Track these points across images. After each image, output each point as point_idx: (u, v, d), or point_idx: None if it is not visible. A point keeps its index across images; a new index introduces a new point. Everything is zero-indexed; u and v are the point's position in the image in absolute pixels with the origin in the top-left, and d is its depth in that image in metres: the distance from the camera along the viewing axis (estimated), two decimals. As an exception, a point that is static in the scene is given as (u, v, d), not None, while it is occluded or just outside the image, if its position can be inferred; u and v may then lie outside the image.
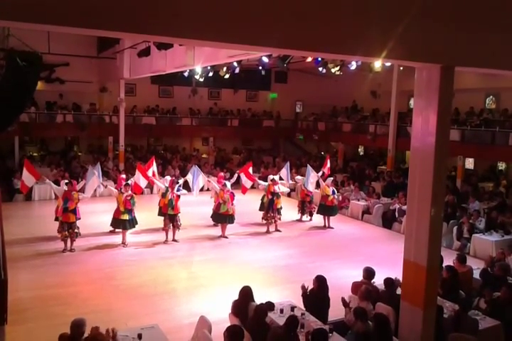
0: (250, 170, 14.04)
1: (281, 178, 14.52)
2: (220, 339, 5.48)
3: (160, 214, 12.77)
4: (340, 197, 16.07)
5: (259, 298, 6.71)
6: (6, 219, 8.27)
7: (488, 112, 18.43)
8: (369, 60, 8.76)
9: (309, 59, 13.28)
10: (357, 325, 5.93)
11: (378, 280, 7.46)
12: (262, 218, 13.78)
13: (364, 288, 6.75)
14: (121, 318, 7.59)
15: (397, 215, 14.32)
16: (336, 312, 6.97)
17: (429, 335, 6.13)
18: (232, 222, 12.97)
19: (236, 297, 6.68)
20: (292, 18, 4.65)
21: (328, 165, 15.36)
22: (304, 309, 6.82)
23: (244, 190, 13.91)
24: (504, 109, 18.07)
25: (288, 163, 15.44)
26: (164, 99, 24.44)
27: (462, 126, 17.34)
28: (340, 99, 24.48)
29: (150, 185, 16.11)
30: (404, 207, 12.55)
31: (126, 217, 11.72)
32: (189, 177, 13.05)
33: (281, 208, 13.83)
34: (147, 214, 13.44)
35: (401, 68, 17.78)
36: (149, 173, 13.16)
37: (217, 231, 13.14)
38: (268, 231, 13.61)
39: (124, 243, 11.80)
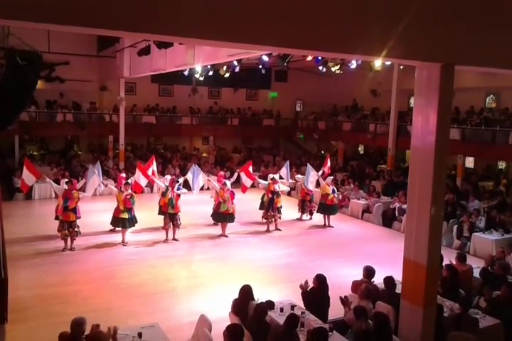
0: (250, 169, 14.03)
1: (281, 177, 14.52)
2: (220, 338, 5.48)
3: (160, 213, 12.78)
4: (341, 196, 16.08)
5: (259, 297, 6.71)
6: (6, 218, 8.27)
7: (488, 111, 18.42)
8: (369, 58, 8.76)
9: (309, 58, 13.27)
10: (357, 324, 5.93)
11: (378, 279, 7.47)
12: (262, 217, 13.78)
13: (364, 287, 6.75)
14: (121, 317, 7.59)
15: (397, 214, 14.32)
16: (336, 311, 6.97)
17: (429, 334, 6.13)
18: (232, 221, 12.97)
19: (236, 296, 6.68)
20: (292, 17, 4.65)
21: (329, 164, 15.35)
22: (304, 308, 6.83)
23: (244, 189, 13.91)
24: (504, 108, 18.06)
25: (288, 162, 15.44)
26: (164, 98, 24.42)
27: (462, 125, 17.34)
28: (340, 98, 24.48)
29: (150, 184, 16.11)
30: (404, 206, 12.56)
31: (125, 215, 11.72)
32: (189, 176, 13.05)
33: (281, 207, 13.84)
34: (147, 213, 13.45)
35: (401, 67, 17.77)
36: (149, 172, 13.16)
37: (217, 230, 13.15)
38: (268, 230, 13.62)
39: (123, 242, 11.80)
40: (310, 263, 10.55)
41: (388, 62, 13.93)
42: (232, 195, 12.82)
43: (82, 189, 12.08)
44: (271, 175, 14.13)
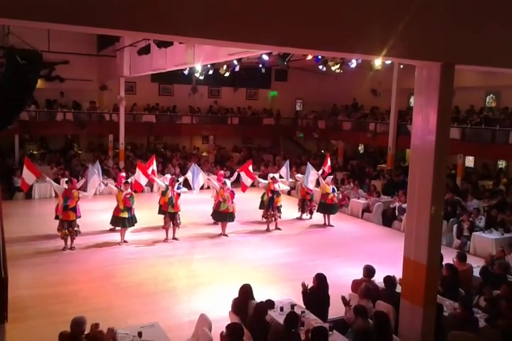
0: (250, 168, 14.03)
1: (281, 176, 14.52)
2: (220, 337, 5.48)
3: (160, 212, 12.78)
4: (341, 196, 16.08)
5: (259, 296, 6.71)
6: (6, 218, 8.27)
7: (488, 110, 18.41)
8: (369, 58, 8.77)
9: (309, 57, 13.25)
10: (357, 323, 5.94)
11: (378, 279, 7.47)
12: (262, 216, 13.78)
13: (364, 286, 6.75)
14: (121, 316, 7.60)
15: (397, 213, 14.32)
16: (336, 310, 6.97)
17: (428, 333, 6.14)
18: (232, 220, 12.97)
19: (236, 295, 6.68)
20: (292, 16, 4.65)
21: (329, 163, 15.35)
22: (304, 307, 6.83)
23: (244, 188, 13.91)
24: (504, 107, 18.07)
25: (288, 162, 15.44)
26: (164, 97, 24.40)
27: (462, 125, 17.34)
28: (340, 97, 24.47)
29: (150, 183, 16.12)
30: (404, 205, 12.56)
31: (125, 215, 11.72)
32: (189, 175, 13.04)
33: (281, 206, 13.84)
34: (147, 212, 13.46)
35: (401, 66, 17.77)
36: (149, 171, 13.16)
37: (217, 229, 13.15)
38: (268, 230, 13.62)
39: (122, 242, 11.79)
40: (310, 263, 10.56)
41: (388, 62, 13.92)
42: (232, 194, 12.82)
43: (82, 188, 12.08)
44: (271, 175, 14.13)
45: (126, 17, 4.02)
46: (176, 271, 10.17)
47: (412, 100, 19.18)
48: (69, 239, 11.16)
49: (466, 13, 5.65)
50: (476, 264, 8.95)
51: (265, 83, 25.94)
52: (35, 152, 21.88)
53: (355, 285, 7.32)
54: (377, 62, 13.94)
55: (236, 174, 14.27)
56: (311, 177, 14.27)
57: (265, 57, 12.07)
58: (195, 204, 13.98)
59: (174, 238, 12.31)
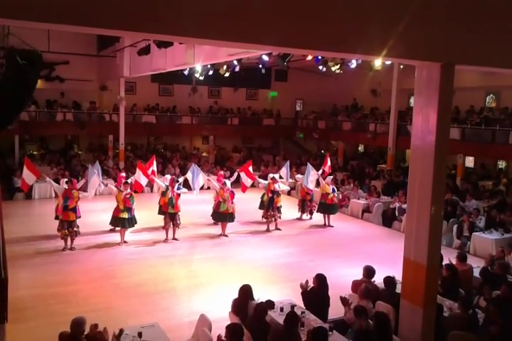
0: (250, 168, 14.03)
1: (281, 177, 14.52)
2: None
3: (160, 212, 12.78)
4: (341, 196, 16.08)
5: (259, 297, 6.70)
6: (6, 218, 8.25)
7: (488, 110, 18.42)
8: (369, 58, 8.77)
9: (309, 57, 13.26)
10: (357, 323, 5.93)
11: (378, 279, 7.47)
12: (262, 216, 13.78)
13: (364, 287, 6.75)
14: (121, 316, 7.59)
15: (397, 214, 14.32)
16: (336, 310, 6.97)
17: (428, 334, 6.13)
18: (232, 221, 12.97)
19: (236, 295, 6.68)
20: (292, 16, 4.65)
21: (329, 163, 15.35)
22: (304, 307, 6.83)
23: (244, 189, 13.90)
24: (504, 107, 18.08)
25: (288, 162, 15.43)
26: (164, 98, 24.42)
27: (462, 125, 17.36)
28: (340, 98, 24.48)
29: (150, 184, 16.11)
30: (404, 206, 12.56)
31: (125, 215, 11.71)
32: (189, 175, 13.04)
33: (281, 206, 13.83)
34: (147, 212, 13.46)
35: (401, 66, 17.78)
36: (149, 172, 13.16)
37: (217, 229, 13.15)
38: (268, 230, 13.62)
39: (121, 242, 11.77)
40: (310, 263, 10.56)
41: (388, 62, 13.93)
42: (232, 194, 12.82)
43: (82, 189, 12.09)
44: (271, 175, 14.13)
45: (126, 17, 4.02)
46: (176, 272, 10.16)
47: (412, 100, 19.19)
48: (69, 239, 11.16)
49: (466, 14, 5.65)
50: (476, 264, 8.94)
51: (265, 83, 25.96)
52: (35, 152, 21.89)
53: (355, 285, 7.31)
54: (377, 63, 13.94)
55: (236, 174, 14.27)
56: (311, 177, 14.27)
57: (265, 58, 12.09)
58: (195, 204, 13.98)
59: (174, 238, 12.31)
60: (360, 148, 25.91)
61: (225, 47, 10.44)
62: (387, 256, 10.33)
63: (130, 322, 6.98)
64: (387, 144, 19.49)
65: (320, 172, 14.71)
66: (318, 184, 14.71)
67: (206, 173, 16.06)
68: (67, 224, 11.07)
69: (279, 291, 8.52)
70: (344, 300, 6.55)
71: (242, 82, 22.93)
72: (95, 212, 13.78)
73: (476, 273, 8.42)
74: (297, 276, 8.34)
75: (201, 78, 17.21)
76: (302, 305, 6.91)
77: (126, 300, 8.47)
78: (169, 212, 12.11)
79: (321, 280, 6.95)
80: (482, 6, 5.74)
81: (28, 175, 12.00)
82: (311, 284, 7.02)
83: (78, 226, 11.29)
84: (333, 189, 14.38)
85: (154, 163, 13.73)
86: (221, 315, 6.77)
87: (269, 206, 13.62)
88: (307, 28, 4.76)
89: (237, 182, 14.59)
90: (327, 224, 14.43)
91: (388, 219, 14.64)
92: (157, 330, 5.98)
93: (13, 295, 6.78)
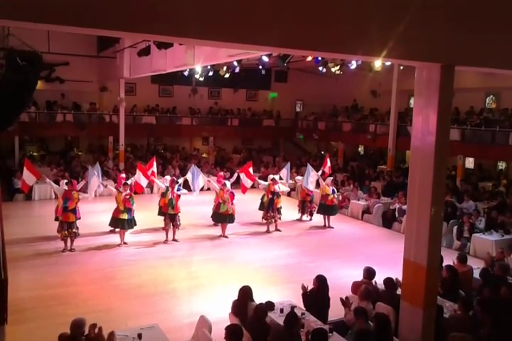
0: (250, 169, 14.02)
1: (281, 178, 14.51)
2: (219, 338, 5.47)
3: (160, 213, 12.77)
4: (341, 197, 16.08)
5: (259, 298, 6.70)
6: (6, 219, 8.27)
7: (488, 112, 18.42)
8: (369, 59, 8.76)
9: (309, 58, 13.27)
10: (357, 325, 5.93)
11: (379, 280, 7.46)
12: (262, 217, 13.77)
13: (364, 288, 6.74)
14: (121, 318, 7.60)
15: (397, 215, 14.31)
16: (336, 312, 6.96)
17: (429, 335, 6.12)
18: (232, 222, 12.97)
19: (236, 297, 6.67)
20: (292, 17, 4.65)
21: (329, 164, 15.35)
22: (304, 309, 6.82)
23: (244, 190, 13.90)
24: (504, 108, 18.08)
25: (289, 164, 15.43)
26: (164, 99, 24.44)
27: (462, 126, 17.36)
28: (340, 99, 24.47)
29: (150, 185, 16.11)
30: (404, 207, 12.55)
31: (125, 216, 11.70)
32: (189, 176, 13.05)
33: (281, 208, 13.83)
34: (147, 213, 13.45)
35: (401, 67, 17.78)
36: (149, 173, 13.16)
37: (217, 230, 13.14)
38: (268, 231, 13.61)
39: (121, 243, 11.76)
40: (310, 264, 10.56)
41: (388, 63, 13.93)
42: (232, 195, 12.81)
43: (82, 190, 12.09)
44: (271, 176, 14.12)
45: (126, 18, 4.02)
46: (175, 273, 10.16)
47: (412, 101, 19.18)
48: (69, 240, 11.16)
49: (466, 14, 5.64)
50: (476, 266, 8.93)
51: (265, 84, 25.98)
52: (35, 153, 21.92)
53: (356, 286, 7.30)
54: (377, 64, 13.95)
55: (236, 175, 14.27)
56: (310, 178, 14.26)
57: (265, 59, 12.08)
58: (195, 205, 13.98)
59: (174, 239, 12.30)
60: (360, 149, 25.91)
61: (225, 48, 10.44)
62: (387, 257, 10.33)
63: (130, 324, 7.00)
64: (387, 145, 19.49)
65: (320, 173, 14.72)
66: (318, 185, 14.70)
67: (206, 174, 16.06)
68: (67, 225, 11.06)
69: (279, 292, 8.52)
70: (344, 302, 6.54)
71: (242, 83, 22.92)
72: (95, 213, 13.78)
73: (476, 274, 8.42)
74: (297, 277, 8.35)
75: (201, 79, 17.24)
76: (302, 307, 6.90)
77: (126, 302, 8.46)
78: (169, 213, 12.11)
79: (321, 281, 6.94)
80: (482, 7, 5.74)
81: (28, 176, 12.03)
82: (310, 286, 7.01)
83: (78, 228, 11.27)
84: (333, 190, 14.37)
85: (154, 164, 13.73)
86: (221, 317, 6.76)
87: (269, 207, 13.62)
88: (307, 29, 4.75)
89: (237, 183, 14.58)
90: (327, 225, 14.42)
91: (388, 220, 14.63)
92: (157, 331, 5.96)
93: (13, 296, 6.78)
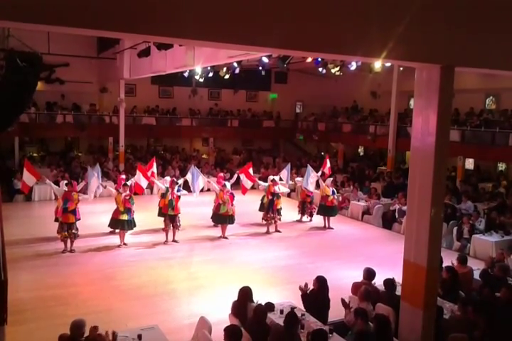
0: (251, 170, 14.03)
1: (281, 179, 14.52)
2: (219, 339, 5.47)
3: (160, 214, 12.76)
4: (340, 198, 16.07)
5: (259, 299, 6.69)
6: (6, 220, 8.23)
7: (488, 113, 18.42)
8: (369, 60, 8.77)
9: (309, 59, 13.29)
10: (357, 325, 5.92)
11: (379, 281, 7.45)
12: (262, 218, 13.77)
13: (363, 289, 6.74)
14: (121, 319, 7.60)
15: (397, 216, 14.31)
16: (336, 312, 6.96)
17: (429, 336, 6.12)
18: (232, 223, 12.96)
19: (236, 297, 6.67)
20: (292, 18, 4.65)
21: (328, 165, 15.36)
22: (304, 310, 6.81)
23: (244, 191, 13.90)
24: (504, 109, 18.09)
25: (289, 165, 15.45)
26: (164, 100, 24.45)
27: (462, 127, 17.37)
28: (340, 100, 24.49)
29: (150, 186, 16.11)
30: (404, 208, 12.54)
31: (125, 217, 11.71)
32: (188, 176, 13.05)
33: (281, 209, 13.82)
34: (147, 214, 13.45)
35: (401, 68, 17.79)
36: (149, 174, 13.16)
37: (217, 231, 13.14)
38: (268, 232, 13.61)
39: (121, 244, 11.76)
40: (310, 265, 10.55)
41: (388, 64, 13.93)
42: (232, 196, 12.81)
43: (82, 191, 12.09)
44: (271, 177, 14.12)
45: (126, 19, 4.02)
46: (175, 274, 10.16)
47: (411, 102, 19.18)
48: (68, 241, 11.16)
49: (465, 15, 5.65)
50: (476, 267, 8.93)
51: (265, 85, 26.00)
52: (35, 154, 21.91)
53: (356, 287, 7.30)
54: (377, 65, 13.97)
55: (236, 176, 14.28)
56: (310, 179, 14.27)
57: (265, 60, 12.09)
58: (195, 206, 13.98)
59: (174, 240, 12.30)
60: (360, 150, 25.92)
61: (224, 49, 10.45)
62: (387, 258, 10.33)
63: (130, 325, 6.99)
64: (387, 146, 19.49)
65: (319, 174, 14.72)
66: (318, 186, 14.71)
67: (206, 175, 16.05)
68: (67, 226, 11.06)
69: (279, 293, 8.52)
70: (344, 303, 6.54)
71: (242, 83, 22.92)
72: (95, 214, 13.78)
73: (476, 275, 8.41)
74: (297, 278, 8.33)
75: (201, 80, 17.25)
76: (302, 308, 6.90)
77: (126, 303, 8.46)
78: (169, 214, 12.11)
79: (321, 282, 6.94)
80: (482, 8, 5.74)
81: (28, 177, 12.04)
82: (310, 286, 7.01)
83: (77, 229, 11.27)
84: (333, 191, 14.37)
85: (154, 164, 13.72)
86: (221, 317, 6.75)
87: (269, 208, 13.61)
88: (307, 30, 4.76)
89: (237, 184, 14.59)
90: (327, 226, 14.42)
91: (388, 221, 14.63)
92: (157, 332, 5.96)
93: (13, 297, 6.75)
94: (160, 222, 12.45)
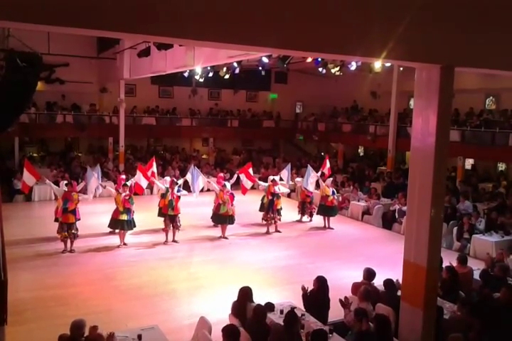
0: (250, 170, 14.03)
1: (281, 179, 14.52)
2: (219, 340, 5.47)
3: (160, 214, 12.76)
4: (340, 198, 16.08)
5: (259, 299, 6.69)
6: (6, 220, 8.23)
7: (488, 113, 18.42)
8: (369, 60, 8.77)
9: (309, 59, 13.29)
10: (357, 325, 5.92)
11: (378, 281, 7.45)
12: (262, 219, 13.77)
13: (363, 289, 6.74)
14: (121, 319, 7.60)
15: (397, 216, 14.31)
16: (336, 313, 6.96)
17: (429, 336, 6.12)
18: (232, 223, 12.96)
19: (236, 298, 6.67)
20: (292, 18, 4.66)
21: (328, 165, 15.36)
22: (304, 310, 6.81)
23: (244, 191, 13.91)
24: (504, 109, 18.09)
25: (289, 164, 15.45)
26: (164, 100, 24.44)
27: (462, 127, 17.36)
28: (340, 100, 24.49)
29: (150, 186, 16.11)
30: (404, 208, 12.55)
31: (124, 217, 11.70)
32: (188, 176, 13.05)
33: (281, 209, 13.82)
34: (147, 214, 13.44)
35: (401, 69, 17.79)
36: (149, 174, 13.15)
37: (217, 231, 13.14)
38: (268, 232, 13.61)
39: (121, 244, 11.76)
40: (310, 265, 10.55)
41: (388, 64, 13.93)
42: (232, 196, 12.81)
43: (82, 191, 12.09)
44: (271, 177, 14.12)
45: (125, 19, 4.02)
46: (175, 274, 10.15)
47: (411, 102, 19.18)
48: (68, 241, 11.16)
49: (465, 16, 5.65)
50: (476, 267, 8.93)
51: (265, 85, 26.00)
52: (35, 154, 21.90)
53: (355, 288, 7.30)
54: (377, 65, 13.97)
55: (236, 176, 14.28)
56: (310, 179, 14.27)
57: (265, 60, 12.09)
58: (195, 206, 13.97)
59: (174, 240, 12.30)
60: (360, 150, 25.91)
61: (224, 50, 10.44)
62: (387, 258, 10.33)
63: (130, 325, 7.00)
64: (387, 146, 19.49)
65: (319, 174, 14.72)
66: (318, 186, 14.71)
67: (206, 175, 16.04)
68: (67, 226, 11.06)
69: (279, 294, 8.52)
70: (342, 303, 6.54)
71: (242, 84, 22.92)
72: (95, 214, 13.77)
73: (476, 275, 8.41)
74: (297, 279, 8.35)
75: (201, 80, 17.26)
76: (302, 308, 6.90)
77: (126, 303, 8.46)
78: (169, 214, 12.11)
79: (321, 282, 6.94)
80: (482, 8, 5.74)
81: (28, 177, 12.04)
82: (310, 287, 7.01)
83: (77, 229, 11.27)
84: (333, 191, 14.37)
85: (154, 164, 13.71)
86: (221, 318, 6.75)
87: (269, 208, 13.61)
88: (307, 30, 4.76)
89: (237, 184, 14.60)
90: (327, 226, 14.42)
91: (388, 222, 14.63)
92: (157, 333, 5.97)
93: (13, 297, 6.76)
94: (160, 222, 12.45)
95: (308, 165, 15.09)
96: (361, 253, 11.54)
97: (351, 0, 5.01)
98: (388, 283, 7.17)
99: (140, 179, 12.75)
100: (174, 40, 5.31)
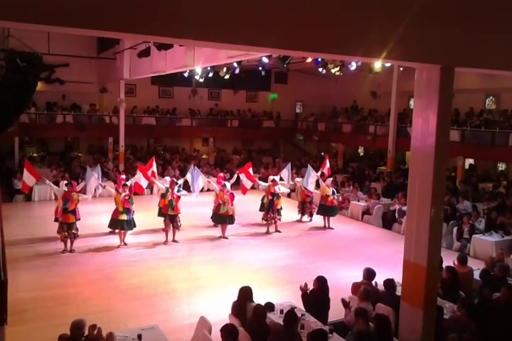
0: (250, 170, 14.03)
1: (281, 179, 14.52)
2: (219, 339, 5.47)
3: (160, 214, 12.76)
4: (340, 198, 16.07)
5: (259, 299, 6.70)
6: (6, 220, 8.22)
7: (488, 113, 18.43)
8: (369, 60, 8.77)
9: (309, 59, 13.29)
10: (357, 325, 5.92)
11: (378, 281, 7.45)
12: (262, 219, 13.77)
13: (363, 289, 6.74)
14: (121, 319, 7.60)
15: (397, 216, 14.31)
16: (336, 312, 6.96)
17: (429, 336, 6.12)
18: (232, 223, 12.96)
19: (236, 297, 6.67)
20: (292, 18, 4.66)
21: (328, 165, 15.36)
22: (304, 310, 6.82)
23: (244, 191, 13.91)
24: (504, 109, 18.10)
25: (290, 164, 15.44)
26: (164, 100, 24.44)
27: (462, 127, 17.37)
28: (340, 100, 24.49)
29: (150, 186, 16.11)
30: (404, 208, 12.54)
31: (124, 217, 11.70)
32: (188, 176, 13.05)
33: (281, 209, 13.82)
34: (147, 214, 13.44)
35: (401, 69, 17.79)
36: (149, 173, 13.16)
37: (217, 231, 13.14)
38: (268, 232, 13.61)
39: (121, 244, 11.76)
40: (310, 265, 10.55)
41: (388, 64, 13.93)
42: (232, 196, 12.81)
43: (82, 191, 12.10)
44: (271, 177, 14.12)
45: (125, 19, 4.02)
46: (176, 274, 10.16)
47: (411, 102, 19.18)
48: (68, 241, 11.16)
49: (465, 16, 5.65)
50: (476, 267, 8.93)
51: (265, 85, 26.00)
52: (35, 154, 21.89)
53: (355, 287, 7.30)
54: (377, 65, 13.97)
55: (236, 176, 14.28)
56: (310, 179, 14.27)
57: (265, 60, 12.08)
58: (195, 206, 13.97)
59: (174, 240, 12.30)
60: (360, 150, 25.91)
61: (224, 50, 10.45)
62: (387, 258, 10.33)
63: (130, 325, 7.00)
64: (387, 146, 19.49)
65: (319, 174, 14.72)
66: (318, 186, 14.71)
67: (206, 175, 16.04)
68: (67, 226, 11.06)
69: (279, 293, 8.52)
70: (344, 302, 6.54)
71: (242, 84, 22.90)
72: (95, 214, 13.77)
73: (476, 275, 8.42)
74: (297, 278, 8.34)
75: (201, 80, 17.25)
76: (302, 308, 6.90)
77: (126, 303, 8.46)
78: (169, 214, 12.11)
79: (321, 282, 6.94)
80: (481, 8, 5.74)
81: (28, 178, 12.05)
82: (310, 287, 7.01)
83: (77, 229, 11.27)
84: (333, 191, 14.37)
85: (154, 164, 13.71)
86: (221, 318, 6.74)
87: (269, 208, 13.61)
88: (307, 30, 4.76)
89: (237, 184, 14.59)
90: (327, 226, 14.42)
91: (388, 221, 14.63)
92: (157, 332, 5.97)
93: (13, 297, 6.76)
94: (160, 222, 12.45)
95: (309, 165, 15.09)
96: (361, 253, 11.54)
97: (351, 0, 5.01)
98: (388, 282, 7.17)
99: (140, 179, 12.76)
100: (174, 40, 5.31)
